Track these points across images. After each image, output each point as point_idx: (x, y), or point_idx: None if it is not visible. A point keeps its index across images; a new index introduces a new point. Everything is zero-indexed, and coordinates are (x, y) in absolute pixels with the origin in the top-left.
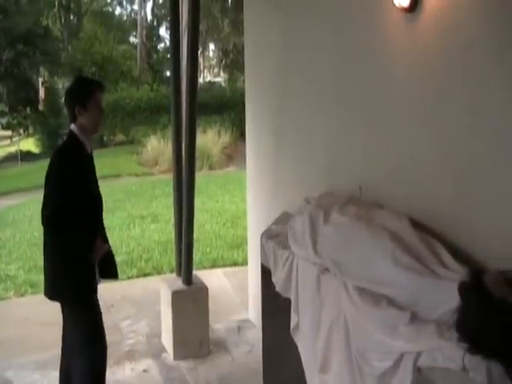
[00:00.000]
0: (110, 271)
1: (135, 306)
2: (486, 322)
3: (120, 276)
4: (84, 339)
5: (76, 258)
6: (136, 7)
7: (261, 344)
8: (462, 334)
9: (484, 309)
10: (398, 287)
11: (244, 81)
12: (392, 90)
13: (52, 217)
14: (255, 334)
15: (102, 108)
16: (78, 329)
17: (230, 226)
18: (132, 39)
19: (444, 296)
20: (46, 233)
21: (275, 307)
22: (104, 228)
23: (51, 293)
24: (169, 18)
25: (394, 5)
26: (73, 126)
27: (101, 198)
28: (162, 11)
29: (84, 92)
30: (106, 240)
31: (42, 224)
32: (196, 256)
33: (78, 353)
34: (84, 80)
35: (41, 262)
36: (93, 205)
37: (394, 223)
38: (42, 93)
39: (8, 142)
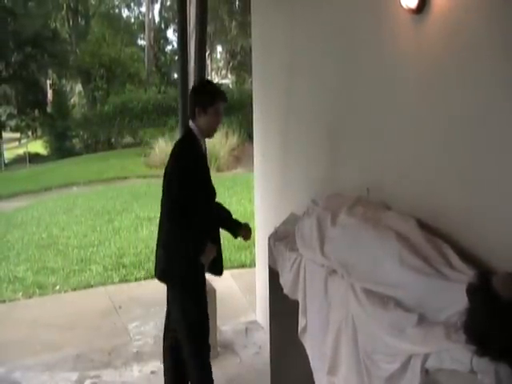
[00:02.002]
0: (215, 267)
1: (143, 307)
2: (493, 324)
3: (128, 277)
4: (188, 327)
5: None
6: (144, 9)
7: (268, 346)
8: (470, 335)
9: (492, 310)
10: (405, 289)
11: (251, 82)
12: (399, 91)
13: (171, 209)
14: (263, 336)
15: (220, 118)
16: (182, 316)
17: None
18: (140, 41)
19: (451, 297)
20: (164, 220)
21: (283, 309)
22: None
23: (160, 274)
24: (176, 21)
25: (401, 6)
26: (191, 123)
27: (213, 196)
28: (170, 13)
29: (208, 97)
30: (218, 238)
31: (162, 215)
32: None
33: (184, 340)
34: (211, 86)
35: (49, 264)
36: (205, 201)
37: (401, 224)
38: (50, 95)
39: (16, 144)
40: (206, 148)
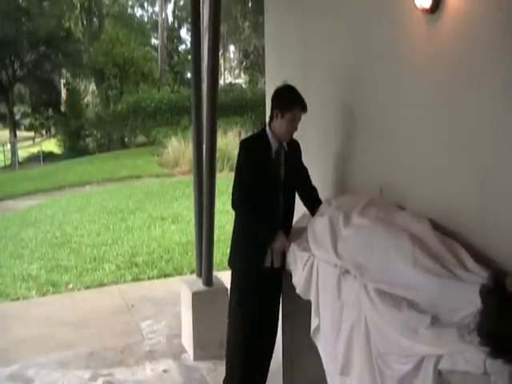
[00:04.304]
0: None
1: (156, 306)
2: (507, 326)
3: (140, 276)
4: (230, 312)
5: (249, 237)
6: (157, 9)
7: (281, 345)
8: (484, 337)
9: (505, 312)
10: (418, 290)
11: (265, 82)
12: (412, 91)
13: (233, 200)
14: None
15: (295, 125)
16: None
17: None
18: (153, 41)
19: (465, 299)
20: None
21: (295, 309)
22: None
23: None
24: (190, 20)
25: (415, 6)
26: (267, 124)
27: (285, 197)
28: (183, 13)
29: (288, 102)
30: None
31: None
32: (216, 257)
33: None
34: (293, 93)
35: (62, 262)
36: (265, 200)
37: (414, 225)
38: (63, 94)
39: (30, 142)
40: (282, 149)
